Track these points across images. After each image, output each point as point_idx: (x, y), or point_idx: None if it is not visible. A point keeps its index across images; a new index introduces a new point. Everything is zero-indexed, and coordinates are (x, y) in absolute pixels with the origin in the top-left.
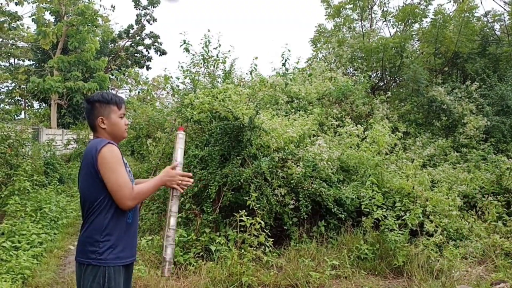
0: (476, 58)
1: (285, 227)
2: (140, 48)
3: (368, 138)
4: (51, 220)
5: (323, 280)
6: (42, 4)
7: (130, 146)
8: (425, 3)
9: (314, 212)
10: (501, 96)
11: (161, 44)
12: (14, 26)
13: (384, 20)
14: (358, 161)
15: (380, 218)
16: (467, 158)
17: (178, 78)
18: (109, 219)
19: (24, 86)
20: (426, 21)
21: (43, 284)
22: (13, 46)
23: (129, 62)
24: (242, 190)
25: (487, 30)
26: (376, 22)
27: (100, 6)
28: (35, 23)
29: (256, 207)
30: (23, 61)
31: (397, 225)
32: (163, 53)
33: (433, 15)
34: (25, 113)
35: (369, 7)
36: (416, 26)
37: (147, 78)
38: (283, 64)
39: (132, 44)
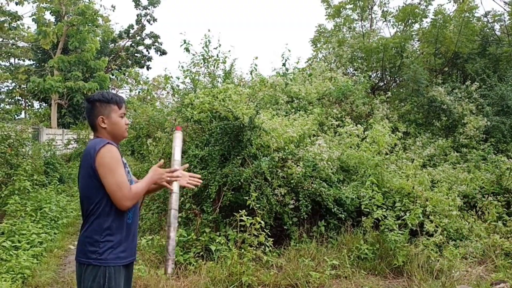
0: (476, 58)
1: (285, 227)
2: (141, 48)
3: (368, 138)
4: (51, 219)
5: (323, 280)
6: (43, 4)
7: (130, 146)
8: (425, 3)
9: (314, 212)
10: (501, 96)
11: (161, 44)
12: (15, 26)
13: (384, 20)
14: (358, 161)
15: (380, 218)
16: (467, 158)
17: (178, 78)
18: (109, 219)
19: (25, 86)
20: (426, 21)
21: (43, 284)
22: (14, 46)
23: (130, 62)
24: (242, 190)
25: (487, 30)
26: (376, 22)
27: (101, 6)
28: (35, 23)
29: (256, 207)
30: (24, 61)
31: (397, 225)
32: (163, 53)
33: (433, 15)
34: (25, 113)
35: (369, 7)
36: (416, 26)
37: (147, 78)
38: (283, 64)
39: (133, 44)
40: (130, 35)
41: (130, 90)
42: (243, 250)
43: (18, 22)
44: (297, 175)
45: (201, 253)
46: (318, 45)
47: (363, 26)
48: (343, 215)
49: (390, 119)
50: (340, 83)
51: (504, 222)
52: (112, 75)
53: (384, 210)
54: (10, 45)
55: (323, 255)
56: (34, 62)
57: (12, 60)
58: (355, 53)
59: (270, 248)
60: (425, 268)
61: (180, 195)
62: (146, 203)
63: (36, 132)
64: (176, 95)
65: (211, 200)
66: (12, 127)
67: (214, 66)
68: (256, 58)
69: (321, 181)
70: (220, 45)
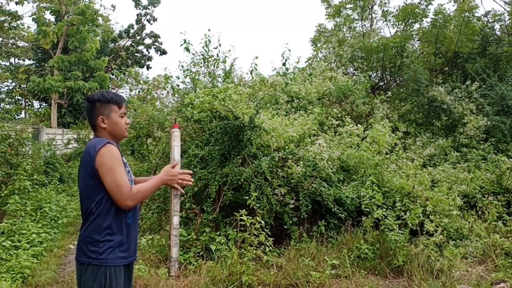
0: (476, 58)
1: (285, 227)
2: (141, 47)
3: (368, 138)
4: (51, 219)
5: (323, 279)
6: (43, 3)
7: (130, 145)
8: (425, 3)
9: (314, 211)
10: (501, 96)
11: (161, 44)
12: (15, 25)
13: (384, 20)
14: (358, 161)
15: (380, 218)
16: (467, 158)
17: (178, 78)
18: (109, 219)
19: (25, 86)
20: (427, 21)
21: (43, 283)
22: (14, 46)
23: (130, 61)
24: (242, 190)
25: (487, 30)
26: (376, 22)
27: (101, 5)
28: (35, 22)
29: (256, 206)
30: (24, 60)
31: (397, 225)
32: (163, 52)
33: (433, 15)
34: (25, 112)
35: (370, 7)
36: (416, 26)
37: (147, 78)
38: (283, 64)
39: (133, 44)
40: (130, 34)
41: (130, 90)
42: (243, 250)
43: (18, 22)
44: (297, 174)
45: (201, 253)
46: (318, 45)
47: (363, 26)
48: (343, 215)
49: (390, 119)
50: (340, 83)
51: (504, 222)
52: (112, 74)
53: (384, 209)
54: (10, 44)
55: (323, 254)
56: (34, 61)
57: (12, 59)
58: (355, 52)
59: (270, 247)
60: (425, 268)
61: (180, 194)
62: (146, 203)
63: (36, 132)
64: (176, 95)
65: (211, 199)
66: (12, 126)
67: (214, 66)
68: (256, 57)
69: (321, 181)
70: (220, 45)
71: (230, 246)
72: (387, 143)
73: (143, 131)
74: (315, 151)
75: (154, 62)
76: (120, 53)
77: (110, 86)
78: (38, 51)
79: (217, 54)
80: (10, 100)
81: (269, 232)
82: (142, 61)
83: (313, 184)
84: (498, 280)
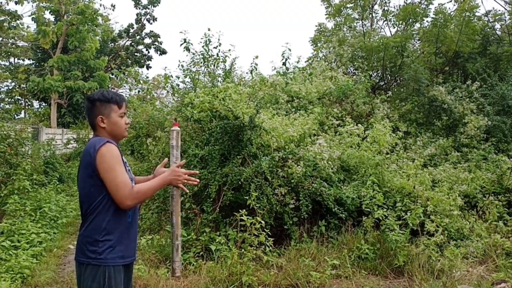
0: (477, 57)
1: (285, 227)
2: (140, 47)
3: (368, 138)
4: (51, 219)
5: (323, 280)
6: (42, 3)
7: (130, 145)
8: (426, 3)
9: (314, 211)
10: (501, 96)
11: (161, 44)
12: (14, 25)
13: (384, 19)
14: (358, 161)
15: (380, 218)
16: (468, 158)
17: (178, 77)
18: (109, 218)
19: (24, 86)
20: (427, 21)
21: (43, 284)
22: (13, 45)
23: (129, 61)
24: (242, 190)
25: (488, 29)
26: (376, 22)
27: (100, 5)
28: (35, 22)
29: (257, 206)
30: (23, 60)
31: (398, 225)
32: (163, 52)
33: (434, 14)
34: (25, 112)
35: (370, 6)
36: (417, 25)
37: (147, 78)
38: (284, 63)
39: (132, 44)
40: (130, 34)
41: (130, 90)
42: (243, 250)
43: (18, 22)
44: (297, 174)
45: (201, 253)
46: (319, 45)
47: (364, 25)
48: (343, 215)
49: (390, 119)
50: (341, 83)
51: (505, 222)
52: (112, 74)
53: (385, 210)
54: (9, 44)
55: (324, 255)
56: (33, 61)
57: (11, 59)
58: (355, 52)
59: (270, 248)
60: (426, 268)
61: (179, 194)
62: (146, 203)
63: (35, 132)
64: (176, 95)
65: (211, 199)
66: (12, 126)
67: (214, 65)
68: (257, 57)
69: (322, 181)
70: (220, 44)
71: (230, 246)
72: (387, 143)
73: (142, 131)
74: (315, 151)
75: (154, 61)
76: (119, 52)
77: (109, 86)
78: (38, 50)
79: (217, 54)
80: (9, 100)
81: (269, 232)
82: (142, 61)
83: (313, 184)
84: (499, 280)
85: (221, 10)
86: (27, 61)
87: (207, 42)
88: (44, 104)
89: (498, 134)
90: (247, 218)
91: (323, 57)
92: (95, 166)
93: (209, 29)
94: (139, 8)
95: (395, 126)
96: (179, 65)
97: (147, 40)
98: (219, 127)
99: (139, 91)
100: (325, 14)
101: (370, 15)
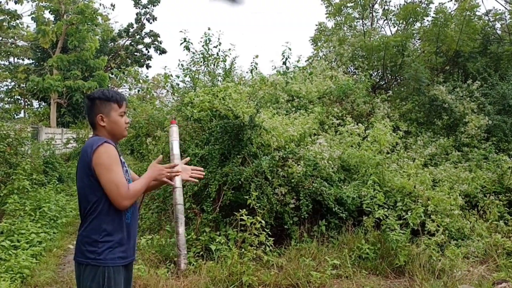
0: (477, 57)
1: (285, 227)
2: (140, 47)
3: (369, 137)
4: (50, 219)
5: (324, 279)
6: (42, 2)
7: (130, 145)
8: (426, 2)
9: (315, 211)
10: (502, 95)
11: (161, 43)
12: (14, 24)
13: (385, 18)
14: (359, 160)
15: (381, 218)
16: (469, 157)
17: (178, 77)
18: (108, 218)
19: (24, 85)
20: (428, 20)
21: (42, 284)
22: (13, 45)
23: (129, 61)
24: (242, 189)
25: (488, 29)
26: (377, 21)
27: (100, 4)
28: (34, 21)
29: (257, 206)
30: (23, 60)
31: (399, 225)
32: (163, 52)
33: (434, 13)
34: (24, 112)
35: (370, 5)
36: (417, 24)
37: (147, 77)
38: (284, 63)
39: (132, 43)
40: (129, 34)
41: (130, 89)
42: (243, 250)
43: (18, 21)
44: (297, 174)
45: (201, 253)
46: (319, 44)
47: (364, 25)
48: (344, 215)
49: (391, 118)
50: (341, 82)
51: (506, 222)
52: (112, 74)
53: (386, 209)
54: (9, 44)
55: (324, 254)
56: (33, 61)
57: (11, 59)
58: (356, 51)
59: (270, 247)
60: (426, 268)
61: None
62: (146, 203)
63: (35, 131)
64: (176, 94)
65: (211, 199)
66: (11, 126)
67: (214, 65)
68: (257, 56)
69: (322, 180)
70: (220, 44)
71: (230, 246)
72: (388, 142)
73: (142, 131)
74: (315, 150)
75: (154, 61)
76: (119, 52)
77: (109, 85)
78: (37, 50)
79: (217, 53)
80: (9, 99)
81: (269, 232)
82: (142, 60)
83: (313, 184)
84: (499, 280)
85: (221, 10)
86: (26, 61)
87: (207, 42)
88: (43, 103)
89: (498, 134)
90: (247, 218)
91: (323, 57)
92: (92, 166)
93: (209, 29)
94: (139, 8)
95: (396, 126)
96: (179, 64)
97: (147, 40)
98: (219, 127)
99: (138, 91)
100: (325, 14)
101: (371, 14)
